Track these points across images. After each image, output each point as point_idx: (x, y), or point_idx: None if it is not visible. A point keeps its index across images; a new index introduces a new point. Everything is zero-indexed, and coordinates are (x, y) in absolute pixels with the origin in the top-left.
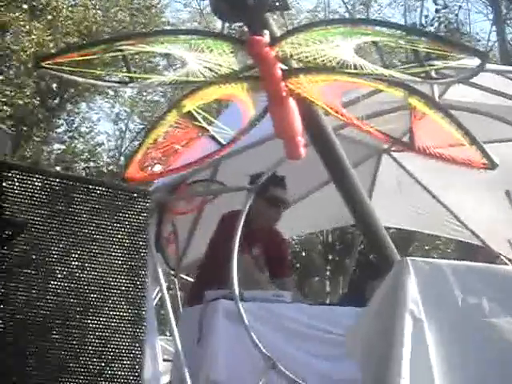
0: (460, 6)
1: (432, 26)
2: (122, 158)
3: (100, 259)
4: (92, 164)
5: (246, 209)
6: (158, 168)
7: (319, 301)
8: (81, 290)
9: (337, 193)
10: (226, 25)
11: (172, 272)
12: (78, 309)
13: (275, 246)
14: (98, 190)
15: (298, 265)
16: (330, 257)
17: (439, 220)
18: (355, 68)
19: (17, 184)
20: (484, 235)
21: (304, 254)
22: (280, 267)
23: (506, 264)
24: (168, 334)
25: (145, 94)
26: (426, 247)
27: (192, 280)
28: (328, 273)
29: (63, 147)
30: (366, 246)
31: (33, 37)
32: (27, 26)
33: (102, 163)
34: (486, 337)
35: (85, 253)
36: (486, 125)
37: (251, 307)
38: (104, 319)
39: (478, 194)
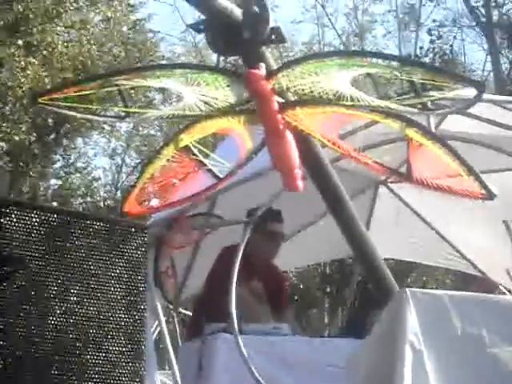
0: (454, 37)
1: (427, 56)
2: (119, 193)
3: (98, 294)
4: (89, 199)
5: (243, 242)
6: (155, 202)
7: (318, 333)
8: (80, 326)
9: (335, 225)
10: (222, 58)
11: (171, 306)
12: (77, 344)
13: (273, 279)
14: (96, 225)
15: (295, 297)
16: (329, 289)
17: (437, 251)
18: (352, 100)
19: (15, 220)
20: (483, 265)
21: (302, 286)
22: (279, 298)
23: (505, 294)
24: (167, 368)
25: (141, 128)
26: (425, 278)
27: (190, 314)
28: (327, 305)
29: (60, 182)
30: (364, 277)
31: (28, 72)
32: (22, 62)
33: (98, 198)
34: (486, 366)
35: (83, 288)
36: (483, 155)
37: (251, 340)
38: (103, 354)
39: (477, 225)
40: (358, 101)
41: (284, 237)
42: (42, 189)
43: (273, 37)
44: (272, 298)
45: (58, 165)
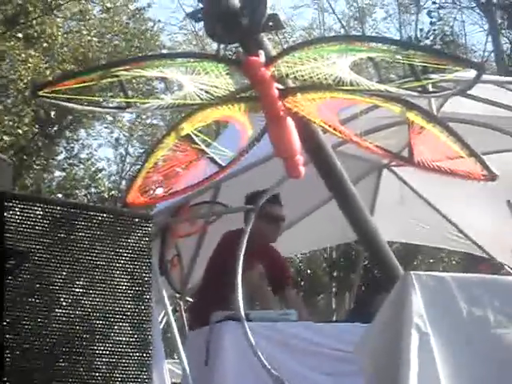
0: (455, 18)
1: (427, 39)
2: (124, 183)
3: (104, 285)
4: (93, 190)
5: (248, 229)
6: (159, 191)
7: (325, 318)
8: (86, 317)
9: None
10: (222, 46)
11: (177, 295)
12: (83, 336)
13: (274, 261)
14: (99, 216)
15: (302, 283)
16: (335, 273)
17: (442, 233)
18: (351, 85)
19: (18, 214)
20: (487, 246)
21: (309, 271)
22: (281, 277)
23: (510, 274)
24: (176, 356)
25: (143, 117)
26: (431, 260)
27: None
28: (334, 290)
29: (64, 174)
30: (369, 261)
31: (29, 65)
32: (23, 55)
33: (103, 189)
34: (493, 348)
35: (88, 279)
36: (485, 136)
37: (258, 327)
38: (110, 345)
39: (480, 206)
40: (358, 85)
41: (284, 220)
42: (46, 181)
43: (271, 23)
44: (274, 277)
45: (61, 157)
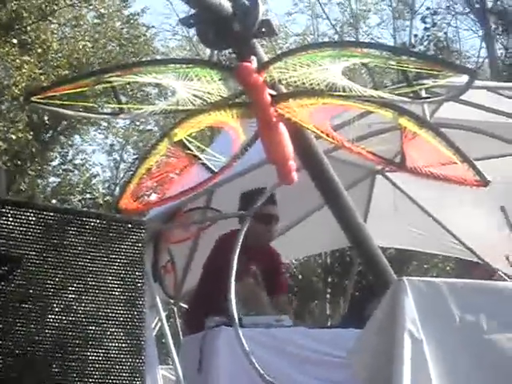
0: (449, 24)
1: (422, 44)
2: (118, 189)
3: (97, 291)
4: (88, 196)
5: (241, 235)
6: (153, 197)
7: (320, 324)
8: (79, 323)
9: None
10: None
11: (171, 301)
12: (76, 341)
13: (270, 262)
14: (92, 222)
15: (296, 289)
16: (330, 279)
17: (436, 238)
18: (344, 90)
19: (11, 219)
20: (481, 252)
21: (303, 277)
22: (276, 282)
23: (503, 280)
24: (170, 362)
25: (138, 123)
26: (425, 266)
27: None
28: (328, 295)
29: (58, 180)
30: (363, 267)
31: (24, 71)
32: (17, 61)
33: (97, 194)
34: (486, 353)
35: (81, 285)
36: (478, 142)
37: (252, 333)
38: (103, 351)
39: (474, 211)
40: (351, 91)
41: (278, 219)
42: (40, 187)
43: (263, 30)
44: (269, 280)
45: (55, 162)
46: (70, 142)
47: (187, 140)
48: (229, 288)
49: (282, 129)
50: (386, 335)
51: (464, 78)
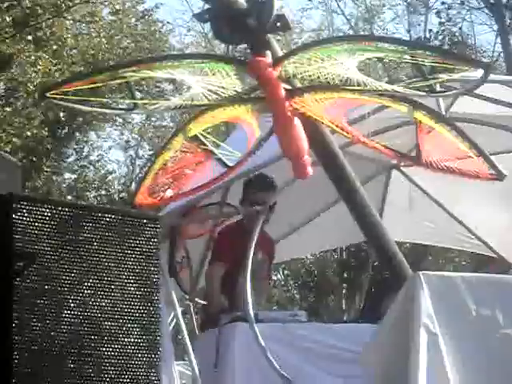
0: (464, 18)
1: (436, 39)
2: (133, 185)
3: (112, 287)
4: (103, 192)
5: (256, 232)
6: (170, 193)
7: (336, 319)
8: (94, 318)
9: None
10: (231, 47)
11: (187, 296)
12: (92, 337)
13: (270, 247)
14: (107, 217)
15: (312, 284)
16: (346, 274)
17: (451, 233)
18: (359, 85)
19: (26, 215)
20: (497, 246)
21: (319, 272)
22: (267, 268)
23: None
24: (186, 358)
25: (153, 119)
26: (441, 261)
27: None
28: (344, 290)
29: (74, 176)
30: (378, 262)
31: (39, 67)
32: (32, 57)
33: (113, 191)
34: (501, 348)
35: (97, 281)
36: (493, 136)
37: (267, 328)
38: (119, 347)
39: (489, 205)
40: (366, 85)
41: (273, 207)
42: (56, 183)
43: (278, 24)
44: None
45: (71, 159)
46: (85, 139)
47: (202, 135)
48: (244, 284)
49: (297, 123)
50: (401, 329)
51: (479, 72)
